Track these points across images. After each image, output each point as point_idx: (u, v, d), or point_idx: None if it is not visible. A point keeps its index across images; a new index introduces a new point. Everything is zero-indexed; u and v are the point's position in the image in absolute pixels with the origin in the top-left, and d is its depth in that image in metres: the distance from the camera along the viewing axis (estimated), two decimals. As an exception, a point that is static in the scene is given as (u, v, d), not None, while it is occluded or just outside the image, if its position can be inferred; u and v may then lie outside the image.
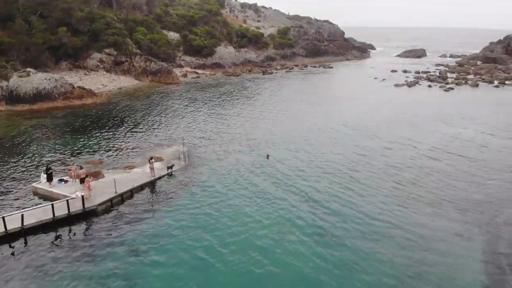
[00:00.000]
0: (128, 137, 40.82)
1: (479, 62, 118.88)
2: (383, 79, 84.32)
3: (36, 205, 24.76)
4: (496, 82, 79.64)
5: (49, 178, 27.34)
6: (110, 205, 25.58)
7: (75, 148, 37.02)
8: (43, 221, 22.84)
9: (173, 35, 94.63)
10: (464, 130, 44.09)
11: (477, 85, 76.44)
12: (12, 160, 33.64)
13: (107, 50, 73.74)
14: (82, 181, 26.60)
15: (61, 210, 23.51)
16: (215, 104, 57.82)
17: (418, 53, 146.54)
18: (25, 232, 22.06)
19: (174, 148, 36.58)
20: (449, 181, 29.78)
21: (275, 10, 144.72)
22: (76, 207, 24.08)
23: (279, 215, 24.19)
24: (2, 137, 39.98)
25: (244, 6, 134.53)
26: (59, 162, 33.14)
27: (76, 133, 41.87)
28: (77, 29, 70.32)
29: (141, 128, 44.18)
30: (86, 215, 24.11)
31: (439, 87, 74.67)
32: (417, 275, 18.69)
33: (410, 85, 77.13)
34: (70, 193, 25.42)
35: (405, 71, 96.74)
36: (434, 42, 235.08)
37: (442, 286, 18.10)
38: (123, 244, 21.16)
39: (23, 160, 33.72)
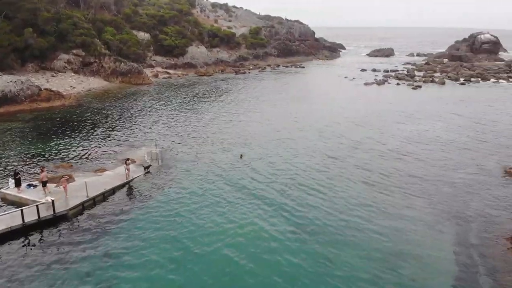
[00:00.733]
0: (99, 139, 39.96)
1: (445, 60, 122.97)
2: (353, 78, 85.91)
3: (4, 211, 23.92)
4: (461, 80, 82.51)
5: (18, 183, 26.45)
6: (82, 209, 24.98)
7: (44, 152, 35.92)
8: (13, 228, 22.07)
9: (143, 35, 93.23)
10: (431, 127, 45.45)
11: (443, 83, 78.98)
12: (-24, 165, 32.36)
13: (75, 51, 71.86)
14: (44, 184, 25.99)
15: (31, 215, 22.77)
16: (188, 104, 57.40)
17: (387, 52, 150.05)
18: (-7, 239, 21.28)
19: (147, 149, 36.08)
20: (418, 176, 30.63)
21: (246, 10, 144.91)
22: (47, 212, 23.42)
23: (254, 215, 24.21)
24: (-36, 142, 38.37)
25: (215, 6, 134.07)
26: (28, 167, 32.08)
27: (44, 136, 40.64)
28: (44, 30, 68.19)
29: (112, 130, 43.35)
30: (57, 220, 23.47)
31: (407, 85, 76.72)
32: (390, 268, 19.14)
33: (379, 83, 78.91)
34: (40, 198, 24.71)
35: (374, 70, 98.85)
36: (402, 41, 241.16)
37: (415, 278, 18.60)
38: (96, 248, 20.73)
39: (-12, 165, 32.50)
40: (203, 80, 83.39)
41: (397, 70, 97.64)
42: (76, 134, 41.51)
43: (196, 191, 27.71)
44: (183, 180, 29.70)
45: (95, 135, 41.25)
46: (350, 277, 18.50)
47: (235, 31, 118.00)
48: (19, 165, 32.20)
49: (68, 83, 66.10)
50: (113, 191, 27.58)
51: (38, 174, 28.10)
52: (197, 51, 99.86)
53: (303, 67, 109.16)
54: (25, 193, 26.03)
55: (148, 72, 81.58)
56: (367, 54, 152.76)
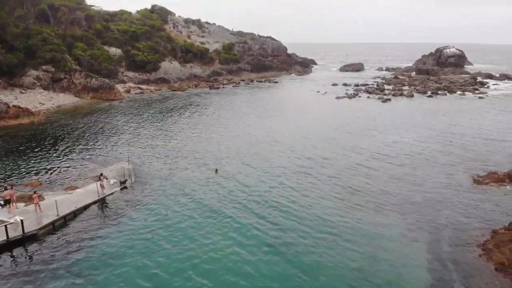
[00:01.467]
0: (69, 156, 38.96)
1: (413, 74, 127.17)
2: (325, 92, 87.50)
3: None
4: (429, 92, 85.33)
5: (-15, 203, 25.44)
6: (52, 228, 24.14)
7: (12, 170, 34.68)
8: (-22, 249, 21.11)
9: (115, 51, 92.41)
10: (401, 139, 46.60)
11: (412, 96, 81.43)
12: None
13: (44, 67, 70.38)
14: (7, 202, 25.16)
15: (-2, 236, 21.88)
16: (161, 120, 56.90)
17: (357, 67, 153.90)
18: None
19: (119, 166, 35.37)
20: (389, 188, 31.19)
21: (219, 26, 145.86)
22: (15, 232, 22.52)
23: (227, 233, 23.83)
24: None
25: (187, 21, 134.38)
26: (-7, 186, 30.87)
27: (13, 154, 39.28)
28: (12, 45, 66.66)
29: (82, 147, 42.38)
30: (27, 240, 22.58)
31: (377, 98, 78.69)
32: (365, 278, 19.30)
33: (350, 97, 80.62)
34: (9, 218, 23.76)
35: (345, 84, 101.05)
36: (371, 56, 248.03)
37: (390, 287, 18.85)
38: (67, 269, 20.00)
39: (-49, 185, 31.07)
40: (176, 95, 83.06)
41: (367, 84, 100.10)
42: (46, 152, 40.35)
43: (170, 208, 27.23)
44: (156, 197, 29.19)
45: (66, 152, 40.20)
46: (327, 289, 18.53)
47: (208, 47, 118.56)
48: (-15, 184, 30.95)
49: (38, 100, 64.46)
50: (84, 209, 26.84)
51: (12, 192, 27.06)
52: (170, 66, 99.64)
53: (277, 82, 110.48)
54: (-8, 213, 24.99)
55: (120, 87, 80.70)
56: (338, 69, 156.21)
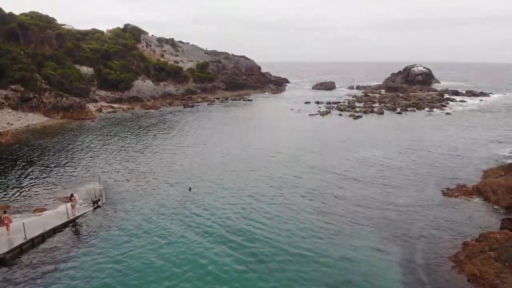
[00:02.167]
0: (38, 177, 37.75)
1: (383, 92, 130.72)
2: (299, 110, 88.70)
3: None
4: (398, 109, 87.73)
5: None
6: (20, 252, 23.18)
7: (-25, 192, 33.28)
8: None
9: (87, 70, 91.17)
10: (372, 154, 47.52)
11: (382, 113, 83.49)
12: None
13: (13, 86, 68.58)
14: None
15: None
16: (134, 138, 56.11)
17: (329, 86, 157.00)
18: None
19: (90, 186, 34.54)
20: (363, 202, 31.63)
21: (192, 45, 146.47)
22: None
23: (203, 251, 23.56)
24: None
25: (161, 40, 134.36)
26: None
27: (-24, 176, 37.76)
28: (-21, 64, 64.75)
29: (52, 167, 41.17)
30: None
31: (349, 115, 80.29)
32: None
33: (323, 114, 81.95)
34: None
35: (317, 102, 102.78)
36: (342, 75, 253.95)
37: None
38: (35, 294, 19.20)
39: None
40: (149, 113, 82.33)
41: (339, 102, 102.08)
42: (14, 173, 38.99)
43: (143, 229, 26.62)
44: (129, 218, 28.53)
45: (34, 173, 38.95)
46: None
47: (182, 65, 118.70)
48: None
49: (6, 120, 62.55)
50: (54, 231, 25.93)
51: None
52: (143, 85, 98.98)
53: (251, 100, 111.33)
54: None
55: (91, 106, 79.38)
56: (310, 88, 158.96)
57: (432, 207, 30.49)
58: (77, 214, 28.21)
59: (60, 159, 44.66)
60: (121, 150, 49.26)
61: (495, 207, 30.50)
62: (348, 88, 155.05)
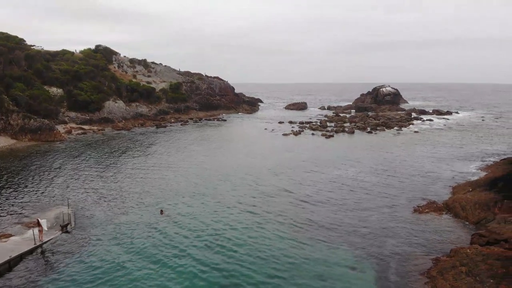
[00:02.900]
0: (5, 202, 36.20)
1: (353, 112, 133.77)
2: (272, 130, 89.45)
3: None
4: (369, 128, 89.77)
5: None
6: (-19, 282, 22.03)
7: None
8: None
9: (56, 91, 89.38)
10: (344, 173, 48.19)
11: (353, 132, 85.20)
12: None
13: (-23, 108, 66.26)
14: None
15: None
16: (104, 160, 54.91)
17: (301, 106, 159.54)
18: None
19: (58, 210, 33.37)
20: (336, 221, 31.84)
21: (165, 66, 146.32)
22: None
23: (174, 277, 22.97)
24: None
25: (133, 61, 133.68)
26: None
27: None
28: None
29: (20, 192, 39.63)
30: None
31: (321, 135, 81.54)
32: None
33: (296, 134, 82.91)
34: None
35: (291, 122, 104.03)
36: (313, 96, 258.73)
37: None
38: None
39: None
40: (121, 134, 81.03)
41: (311, 122, 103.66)
42: (-25, 198, 37.28)
43: (113, 255, 25.80)
44: (99, 243, 27.62)
45: (0, 198, 37.41)
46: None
47: (155, 86, 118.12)
48: None
49: (-33, 142, 60.08)
50: (20, 258, 24.80)
51: None
52: (114, 106, 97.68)
53: (225, 120, 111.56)
54: None
55: (61, 128, 77.50)
56: (283, 108, 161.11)
57: (404, 224, 31.02)
58: (45, 240, 27.13)
59: (27, 182, 43.11)
60: (91, 172, 48.06)
61: (464, 222, 31.35)
62: (320, 108, 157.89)
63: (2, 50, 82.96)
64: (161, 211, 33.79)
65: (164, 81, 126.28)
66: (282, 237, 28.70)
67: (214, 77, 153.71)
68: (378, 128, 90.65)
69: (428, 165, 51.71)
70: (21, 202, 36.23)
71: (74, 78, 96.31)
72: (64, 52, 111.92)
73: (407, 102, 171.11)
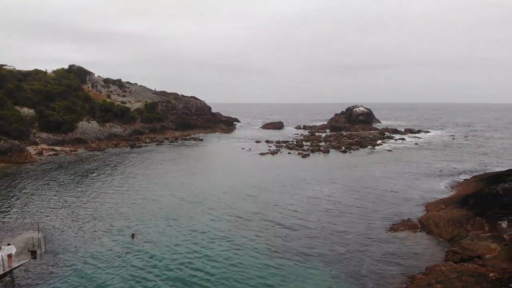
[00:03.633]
0: (-32, 227, 34.62)
1: (328, 131, 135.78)
2: (249, 149, 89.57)
3: None
4: (343, 148, 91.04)
5: None
6: None
7: None
8: None
9: (27, 111, 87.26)
10: (320, 192, 48.40)
11: (328, 151, 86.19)
12: None
13: None
14: None
15: None
16: (76, 182, 53.47)
17: (277, 125, 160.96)
18: None
19: (28, 235, 32.10)
20: (311, 241, 31.79)
21: (141, 85, 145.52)
22: None
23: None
24: None
25: (107, 81, 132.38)
26: None
27: None
28: None
29: (-15, 216, 38.00)
30: None
31: (297, 154, 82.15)
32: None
33: (273, 153, 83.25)
34: None
35: (267, 141, 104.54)
36: (289, 115, 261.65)
37: None
38: None
39: None
40: (94, 155, 79.33)
41: (288, 141, 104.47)
42: None
43: (85, 282, 24.84)
44: (69, 269, 26.53)
45: (-37, 223, 35.70)
46: None
47: (129, 106, 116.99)
48: None
49: None
50: (-17, 287, 23.60)
51: None
52: (88, 126, 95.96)
53: (202, 140, 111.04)
54: None
55: (31, 149, 75.33)
56: (260, 127, 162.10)
57: (380, 243, 31.26)
58: (14, 266, 25.94)
59: (-7, 206, 41.42)
60: (62, 195, 46.65)
61: (439, 239, 31.88)
62: (296, 127, 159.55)
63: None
64: (133, 235, 32.90)
65: (139, 101, 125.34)
66: (258, 261, 28.25)
67: (191, 97, 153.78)
68: (352, 147, 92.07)
69: (401, 183, 52.67)
70: (-13, 227, 34.69)
71: (46, 98, 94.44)
72: (36, 72, 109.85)
73: (380, 122, 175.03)
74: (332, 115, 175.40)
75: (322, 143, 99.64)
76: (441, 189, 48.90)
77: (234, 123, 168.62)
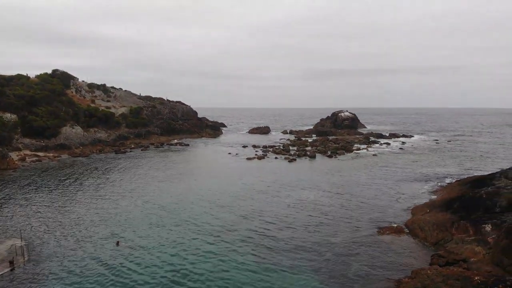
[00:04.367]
0: None
1: (314, 136, 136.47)
2: (236, 154, 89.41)
3: None
4: (329, 152, 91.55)
5: None
6: None
7: None
8: None
9: (10, 116, 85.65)
10: (307, 196, 48.55)
11: (314, 156, 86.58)
12: None
13: None
14: None
15: None
16: (59, 189, 52.55)
17: (264, 130, 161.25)
18: None
19: (9, 243, 31.38)
20: (300, 245, 31.81)
21: (126, 91, 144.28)
22: None
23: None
24: None
25: (92, 86, 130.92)
26: None
27: None
28: None
29: (-35, 224, 37.02)
30: None
31: (284, 159, 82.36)
32: None
33: (260, 158, 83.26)
34: None
35: (254, 146, 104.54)
36: (276, 120, 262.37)
37: None
38: None
39: None
40: (78, 161, 78.15)
41: (275, 146, 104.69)
42: None
43: None
44: (52, 279, 25.97)
45: None
46: None
47: (114, 111, 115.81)
48: None
49: None
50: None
51: None
52: (71, 132, 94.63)
53: (188, 145, 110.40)
54: None
55: (14, 155, 73.87)
56: (247, 132, 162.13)
57: (366, 247, 31.42)
58: (-7, 276, 25.30)
59: (-26, 214, 40.39)
60: (45, 202, 45.77)
61: (424, 243, 32.21)
62: (282, 132, 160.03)
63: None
64: (117, 242, 32.42)
65: (124, 106, 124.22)
66: (245, 267, 28.09)
67: (177, 102, 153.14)
68: (338, 151, 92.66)
69: (387, 188, 53.16)
70: (-33, 236, 33.78)
71: (29, 104, 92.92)
72: (19, 77, 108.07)
73: (365, 127, 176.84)
74: (318, 120, 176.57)
75: (309, 148, 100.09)
76: (426, 193, 49.50)
77: (221, 128, 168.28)
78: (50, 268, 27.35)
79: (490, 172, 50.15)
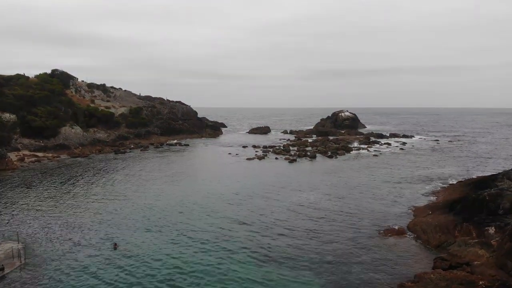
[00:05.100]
0: None
1: (314, 136, 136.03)
2: (236, 154, 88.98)
3: None
4: (329, 153, 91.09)
5: None
6: None
7: None
8: None
9: (9, 116, 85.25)
10: (307, 197, 48.14)
11: (314, 156, 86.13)
12: None
13: None
14: None
15: None
16: (58, 190, 52.14)
17: (264, 130, 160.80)
18: None
19: (7, 245, 30.99)
20: (300, 247, 31.42)
21: (125, 90, 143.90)
22: None
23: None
24: None
25: (91, 86, 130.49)
26: None
27: None
28: None
29: (-38, 226, 36.63)
30: None
31: (284, 159, 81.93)
32: None
33: (260, 158, 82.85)
34: None
35: (254, 146, 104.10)
36: (276, 120, 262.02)
37: None
38: None
39: None
40: (77, 162, 77.74)
41: (275, 146, 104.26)
42: None
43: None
44: (50, 282, 25.59)
45: None
46: None
47: (114, 111, 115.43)
48: None
49: None
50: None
51: None
52: (71, 132, 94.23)
53: (188, 145, 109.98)
54: None
55: (13, 156, 73.47)
56: (247, 132, 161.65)
57: (368, 250, 30.99)
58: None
59: (-29, 216, 40.00)
60: (43, 203, 45.37)
61: (426, 246, 31.77)
62: (282, 132, 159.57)
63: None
64: (115, 245, 32.01)
65: (124, 106, 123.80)
66: (245, 272, 27.60)
67: (176, 102, 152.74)
68: (338, 152, 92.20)
69: (388, 188, 52.73)
70: (-36, 238, 33.39)
71: (29, 104, 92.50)
72: (18, 77, 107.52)
73: (365, 127, 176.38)
74: (318, 120, 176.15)
75: (309, 148, 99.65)
76: (427, 194, 49.08)
77: (221, 128, 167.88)
78: (47, 271, 26.93)
79: (492, 173, 49.70)
